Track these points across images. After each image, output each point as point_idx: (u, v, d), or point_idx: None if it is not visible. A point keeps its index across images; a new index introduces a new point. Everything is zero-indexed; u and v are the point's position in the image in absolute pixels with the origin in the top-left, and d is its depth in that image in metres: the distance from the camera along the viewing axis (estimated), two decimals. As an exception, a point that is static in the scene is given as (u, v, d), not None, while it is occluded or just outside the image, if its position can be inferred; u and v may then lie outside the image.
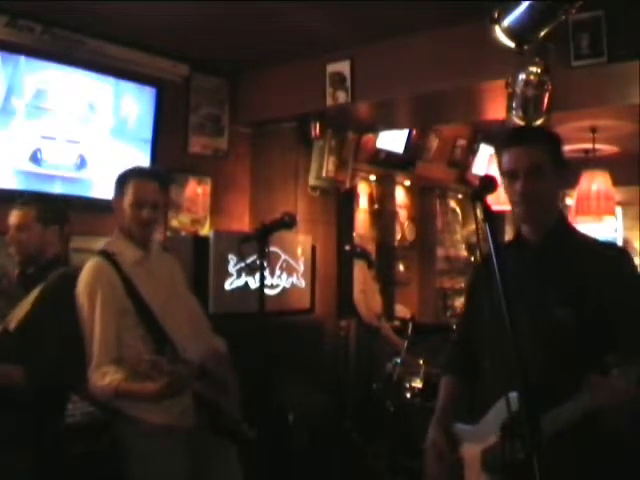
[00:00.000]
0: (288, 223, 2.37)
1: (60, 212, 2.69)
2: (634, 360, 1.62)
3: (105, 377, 2.32)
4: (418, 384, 4.37)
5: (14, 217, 2.60)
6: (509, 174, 1.85)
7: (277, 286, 4.41)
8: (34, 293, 2.48)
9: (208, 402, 2.41)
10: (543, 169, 1.83)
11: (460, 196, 7.18)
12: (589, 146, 6.31)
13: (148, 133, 4.19)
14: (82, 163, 3.92)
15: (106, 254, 2.48)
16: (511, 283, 1.64)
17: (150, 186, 2.51)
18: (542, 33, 3.03)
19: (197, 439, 2.43)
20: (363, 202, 6.00)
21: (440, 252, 6.75)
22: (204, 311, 2.82)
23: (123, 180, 2.53)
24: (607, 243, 2.06)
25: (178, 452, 2.39)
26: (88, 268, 2.46)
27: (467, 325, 2.16)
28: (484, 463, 1.86)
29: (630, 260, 1.92)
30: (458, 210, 7.28)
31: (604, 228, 7.38)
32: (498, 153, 1.93)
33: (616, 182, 6.37)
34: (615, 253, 1.93)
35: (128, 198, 2.48)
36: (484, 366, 2.02)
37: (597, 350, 1.70)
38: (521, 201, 1.84)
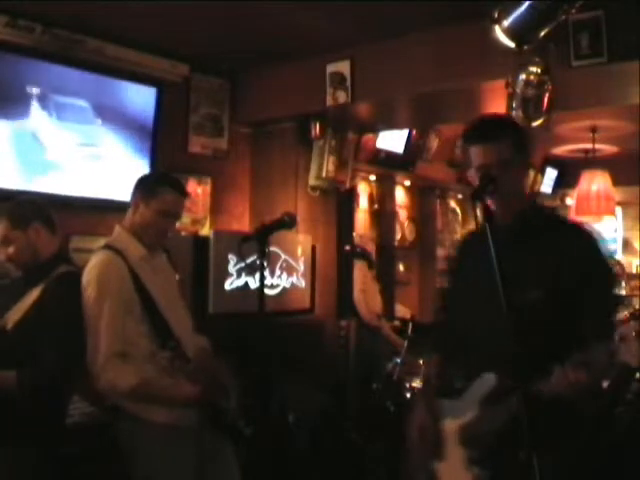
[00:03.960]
0: (288, 223, 2.38)
1: (34, 209, 2.61)
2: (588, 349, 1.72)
3: (127, 376, 2.32)
4: (418, 384, 4.36)
5: None
6: (480, 169, 1.95)
7: (277, 286, 4.41)
8: (34, 293, 2.46)
9: (208, 399, 2.41)
10: (510, 161, 1.94)
11: (460, 196, 7.18)
12: (589, 146, 6.31)
13: (148, 133, 4.19)
14: (82, 163, 3.93)
15: (114, 249, 2.48)
16: (486, 267, 1.80)
17: (182, 200, 2.58)
18: (542, 33, 3.03)
19: (199, 438, 2.43)
20: (363, 202, 6.00)
21: (440, 252, 6.75)
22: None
23: (156, 185, 2.54)
24: (577, 224, 2.15)
25: (181, 451, 2.39)
26: (99, 261, 2.46)
27: (451, 305, 2.24)
28: (461, 438, 1.97)
29: (597, 241, 2.02)
30: (458, 210, 7.28)
31: (604, 228, 7.39)
32: (466, 146, 2.04)
33: (616, 182, 6.37)
34: (585, 233, 2.03)
35: (157, 205, 2.49)
36: (468, 345, 2.11)
37: (570, 327, 1.77)
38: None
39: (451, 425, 2.04)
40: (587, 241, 1.98)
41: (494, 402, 1.87)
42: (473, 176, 1.99)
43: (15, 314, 2.44)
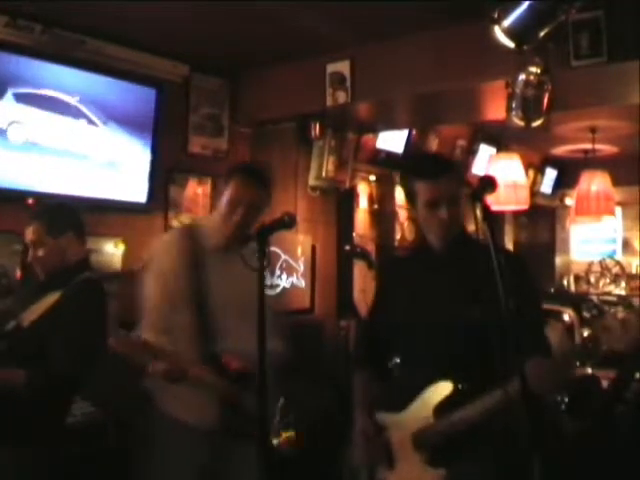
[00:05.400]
0: (288, 223, 2.36)
1: (70, 218, 2.67)
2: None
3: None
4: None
5: (27, 234, 2.60)
6: (431, 203, 2.08)
7: (277, 286, 4.41)
8: (54, 296, 2.49)
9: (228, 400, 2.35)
10: (457, 197, 2.10)
11: (460, 196, 7.17)
12: (589, 146, 6.31)
13: (148, 133, 4.19)
14: (82, 163, 3.93)
15: (192, 229, 2.48)
16: (420, 287, 2.12)
17: (251, 190, 2.43)
18: (542, 33, 3.02)
19: (217, 440, 2.37)
20: (363, 202, 6.00)
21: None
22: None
23: (231, 173, 2.49)
24: (508, 250, 2.28)
25: (193, 448, 2.35)
26: (165, 236, 2.52)
27: (376, 324, 2.34)
28: (418, 443, 2.05)
29: (526, 265, 2.22)
30: (458, 210, 7.26)
31: (604, 228, 7.39)
32: (411, 182, 2.15)
33: (616, 182, 6.37)
34: (516, 258, 2.26)
35: (227, 194, 2.43)
36: (399, 360, 2.27)
37: (502, 345, 1.80)
38: (444, 226, 2.08)
39: (400, 434, 2.10)
40: (515, 263, 2.15)
41: (451, 409, 1.98)
42: (422, 210, 2.11)
43: (32, 314, 2.48)
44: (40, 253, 2.56)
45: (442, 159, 2.28)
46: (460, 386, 1.98)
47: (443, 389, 2.01)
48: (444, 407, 2.00)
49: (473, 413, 1.94)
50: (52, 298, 2.49)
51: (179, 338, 2.36)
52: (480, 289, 1.92)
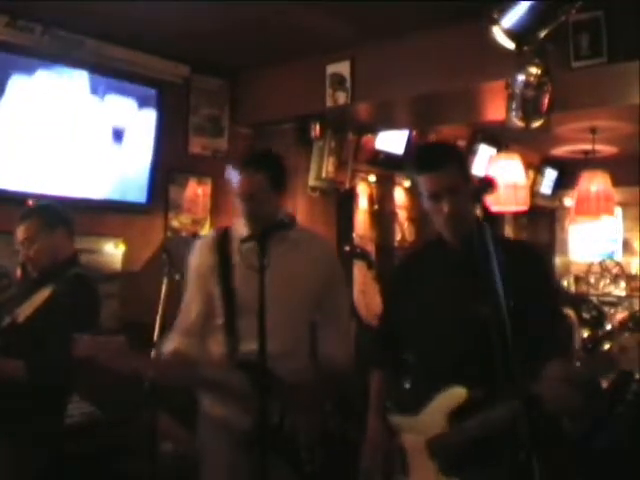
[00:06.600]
0: (288, 224, 2.36)
1: (61, 214, 2.72)
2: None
3: (169, 343, 2.31)
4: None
5: (19, 233, 2.62)
6: (431, 196, 2.02)
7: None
8: (46, 291, 2.52)
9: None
10: (458, 187, 2.00)
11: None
12: (589, 147, 6.31)
13: (149, 134, 4.19)
14: (82, 164, 3.93)
15: (223, 232, 2.46)
16: (435, 283, 2.06)
17: (247, 179, 2.33)
18: (542, 34, 3.03)
19: (249, 446, 2.21)
20: (363, 203, 6.00)
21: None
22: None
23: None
24: (528, 244, 2.20)
25: (230, 447, 2.31)
26: (200, 239, 2.52)
27: (390, 321, 2.31)
28: (432, 451, 1.98)
29: (548, 261, 2.07)
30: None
31: (604, 229, 7.39)
32: (414, 175, 2.11)
33: (616, 183, 6.37)
34: (535, 254, 2.18)
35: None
36: (413, 361, 2.22)
37: (522, 341, 1.75)
38: (447, 219, 2.01)
39: (413, 440, 2.05)
40: (536, 259, 2.12)
41: (465, 415, 1.91)
42: (426, 203, 2.06)
43: (27, 309, 2.52)
44: (34, 250, 2.60)
45: (442, 149, 2.18)
46: (474, 392, 1.91)
47: (457, 393, 1.95)
48: (458, 414, 1.93)
49: (487, 421, 1.87)
50: (45, 293, 2.53)
51: (211, 340, 2.35)
52: (493, 287, 1.83)
